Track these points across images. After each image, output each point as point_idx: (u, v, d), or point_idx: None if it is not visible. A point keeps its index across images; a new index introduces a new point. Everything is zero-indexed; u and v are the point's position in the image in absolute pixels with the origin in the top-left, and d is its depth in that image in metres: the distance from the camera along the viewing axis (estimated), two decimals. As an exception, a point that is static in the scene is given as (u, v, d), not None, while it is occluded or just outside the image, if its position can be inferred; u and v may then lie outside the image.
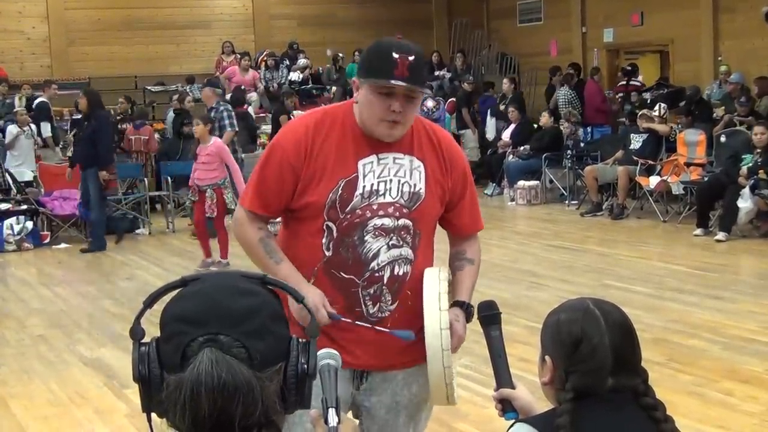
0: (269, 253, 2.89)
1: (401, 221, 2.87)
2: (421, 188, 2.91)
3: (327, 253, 2.86)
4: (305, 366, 1.53)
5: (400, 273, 2.88)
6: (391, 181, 2.87)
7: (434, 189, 2.93)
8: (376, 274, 2.85)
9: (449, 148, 3.01)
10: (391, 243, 2.86)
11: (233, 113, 11.70)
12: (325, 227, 2.85)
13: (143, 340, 1.57)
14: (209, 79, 12.90)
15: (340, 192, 2.84)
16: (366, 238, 2.84)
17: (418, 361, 2.93)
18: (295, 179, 2.85)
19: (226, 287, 1.55)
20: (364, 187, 2.85)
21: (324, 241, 2.86)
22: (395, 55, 2.75)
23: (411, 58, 2.75)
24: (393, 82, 2.74)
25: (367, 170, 2.86)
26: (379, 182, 2.86)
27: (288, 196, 2.87)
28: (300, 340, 1.56)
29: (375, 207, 2.85)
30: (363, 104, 2.84)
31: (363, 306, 2.86)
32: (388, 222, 2.86)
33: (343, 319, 2.81)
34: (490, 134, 16.24)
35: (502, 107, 16.02)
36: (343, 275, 2.85)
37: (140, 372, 1.52)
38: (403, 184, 2.88)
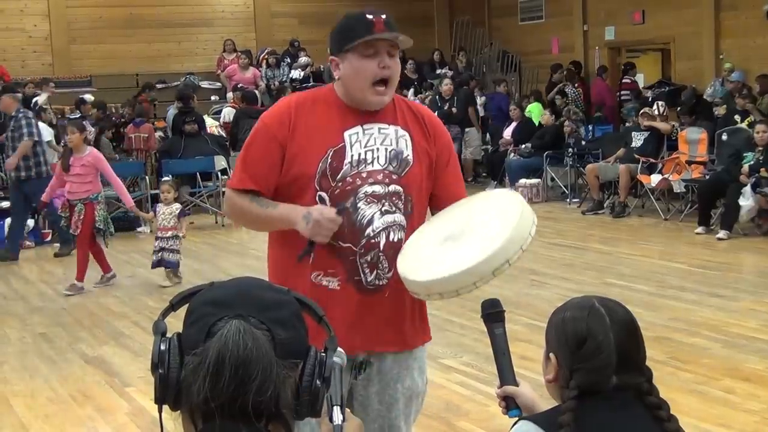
0: (263, 205, 2.92)
1: (392, 187, 2.92)
2: (408, 155, 2.97)
3: None
4: (319, 380, 1.56)
5: (395, 239, 2.91)
6: (378, 149, 2.93)
7: (421, 156, 2.99)
8: (373, 241, 2.89)
9: (431, 120, 3.10)
10: (384, 209, 2.90)
11: (33, 121, 11.11)
12: (317, 198, 2.89)
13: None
14: (5, 85, 12.37)
15: (329, 161, 2.89)
16: (359, 205, 2.88)
17: (407, 345, 3.00)
18: (282, 151, 2.90)
19: (256, 282, 1.62)
20: (352, 156, 2.91)
21: None
22: (369, 16, 2.87)
23: (383, 16, 2.88)
24: (376, 36, 2.84)
25: (353, 140, 2.92)
26: (366, 151, 2.92)
27: (276, 169, 2.91)
28: (318, 352, 1.59)
29: (364, 175, 2.90)
30: (349, 75, 2.90)
31: (362, 274, 2.89)
32: (378, 189, 2.90)
33: (344, 206, 2.84)
34: None
35: (454, 110, 15.52)
36: (341, 244, 2.88)
37: (160, 360, 1.54)
38: (390, 152, 2.94)
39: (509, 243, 2.61)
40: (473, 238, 2.71)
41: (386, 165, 2.93)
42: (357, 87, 2.90)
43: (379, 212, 2.89)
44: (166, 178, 10.37)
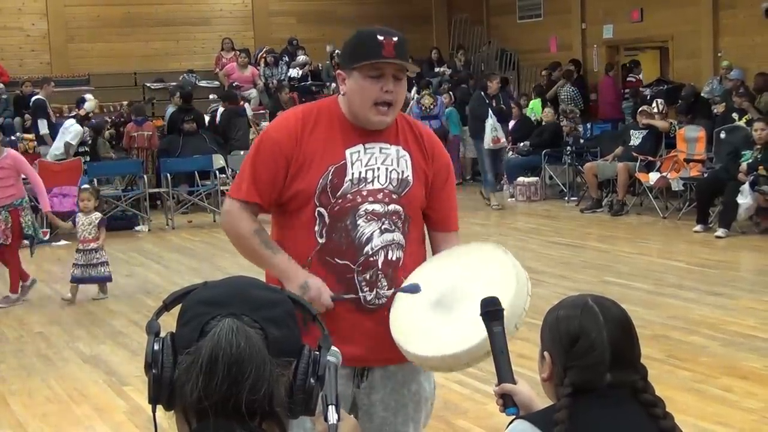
0: (265, 244, 2.91)
1: (391, 206, 2.91)
2: (408, 175, 2.96)
3: (320, 240, 2.88)
4: (313, 379, 1.56)
5: (394, 258, 2.90)
6: (378, 169, 2.92)
7: (420, 177, 2.99)
8: (371, 259, 2.87)
9: (431, 140, 3.08)
10: (383, 227, 2.89)
11: None
12: (316, 214, 2.88)
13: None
14: None
15: (330, 177, 2.88)
16: (358, 222, 2.87)
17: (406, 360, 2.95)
18: (287, 166, 2.89)
19: (250, 281, 1.62)
20: (353, 174, 2.90)
21: (317, 228, 2.89)
22: (380, 38, 2.84)
23: (395, 39, 2.85)
24: (383, 60, 2.82)
25: (354, 159, 2.91)
26: (366, 170, 2.91)
27: (280, 184, 2.90)
28: (312, 350, 1.59)
29: (365, 193, 2.89)
30: (353, 93, 2.89)
31: (360, 292, 2.87)
32: (378, 207, 2.89)
33: (345, 296, 2.84)
34: (499, 135, 13.49)
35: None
36: (338, 261, 2.87)
37: (153, 360, 1.54)
38: (390, 172, 2.94)
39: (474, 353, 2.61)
40: (467, 314, 2.65)
41: (386, 184, 2.92)
42: (359, 106, 2.89)
43: (378, 230, 2.88)
44: (85, 186, 9.77)
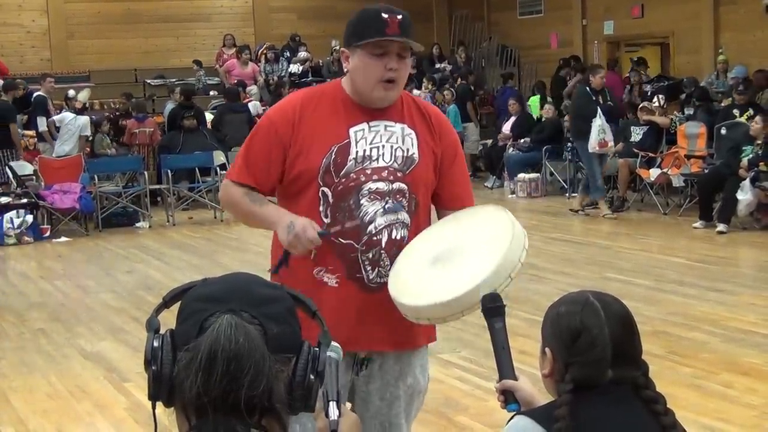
0: (254, 201, 2.94)
1: (396, 185, 2.91)
2: (414, 153, 2.95)
3: (325, 221, 2.88)
4: (313, 375, 1.56)
5: (398, 237, 2.89)
6: (383, 146, 2.92)
7: (427, 154, 2.97)
8: (374, 238, 2.87)
9: (438, 118, 3.08)
10: (387, 206, 2.89)
11: None
12: (320, 194, 2.89)
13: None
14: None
15: (333, 157, 2.88)
16: (362, 201, 2.87)
17: (410, 345, 2.99)
18: (283, 150, 2.90)
19: (249, 278, 1.63)
20: (357, 152, 2.89)
21: (321, 208, 2.89)
22: (384, 15, 2.83)
23: (399, 16, 2.85)
24: (387, 38, 2.81)
25: (358, 137, 2.91)
26: (371, 148, 2.91)
27: (276, 167, 2.91)
28: (312, 346, 1.59)
29: (369, 171, 2.89)
30: (357, 70, 2.89)
31: (363, 271, 2.88)
32: (382, 186, 2.89)
33: (332, 231, 2.83)
34: (607, 137, 11.80)
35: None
36: (342, 240, 2.87)
37: (153, 357, 1.54)
38: (396, 149, 2.93)
39: (497, 273, 2.57)
40: (462, 264, 2.67)
41: (391, 162, 2.91)
42: (362, 84, 2.89)
43: (382, 209, 2.88)
44: None
